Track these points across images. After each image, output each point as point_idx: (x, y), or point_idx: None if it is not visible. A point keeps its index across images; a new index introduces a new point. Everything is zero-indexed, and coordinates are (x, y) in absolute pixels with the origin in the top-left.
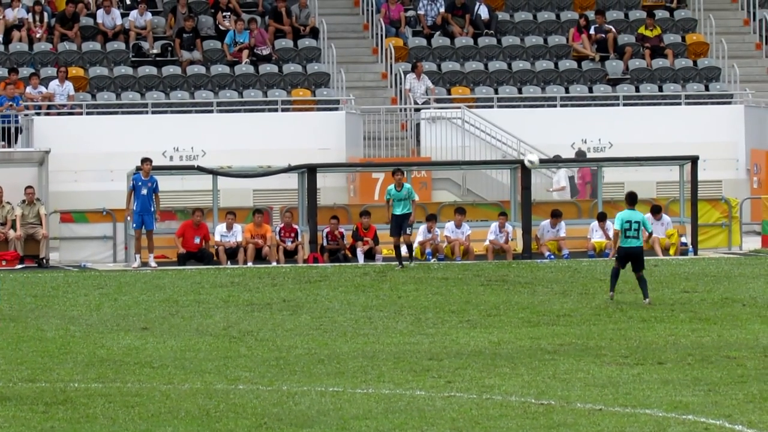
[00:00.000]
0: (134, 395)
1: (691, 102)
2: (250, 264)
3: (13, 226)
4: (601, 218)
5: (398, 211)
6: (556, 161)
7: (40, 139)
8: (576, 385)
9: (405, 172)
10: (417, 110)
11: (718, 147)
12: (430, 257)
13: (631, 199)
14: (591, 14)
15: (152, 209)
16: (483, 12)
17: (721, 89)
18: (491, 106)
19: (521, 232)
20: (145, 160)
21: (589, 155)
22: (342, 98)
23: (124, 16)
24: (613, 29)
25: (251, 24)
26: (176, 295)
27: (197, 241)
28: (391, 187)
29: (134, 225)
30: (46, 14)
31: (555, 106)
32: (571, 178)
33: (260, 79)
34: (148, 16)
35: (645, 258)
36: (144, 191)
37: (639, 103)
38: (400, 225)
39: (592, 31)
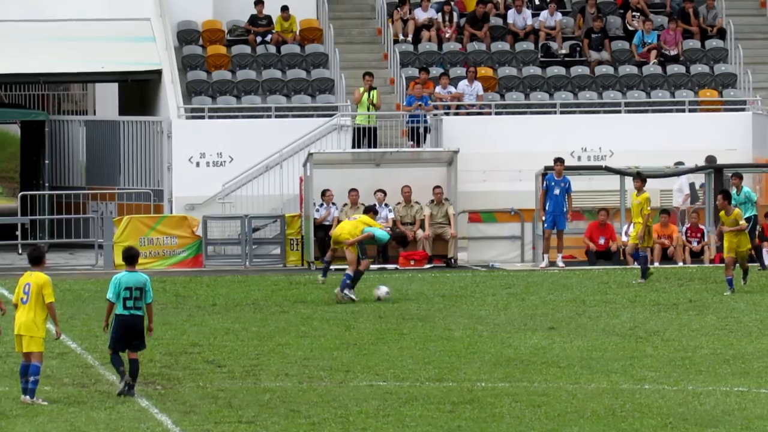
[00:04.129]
0: (540, 395)
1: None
2: (656, 264)
3: (422, 226)
4: None
5: None
6: None
7: (449, 139)
8: None
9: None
10: None
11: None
12: None
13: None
14: None
15: (564, 209)
16: None
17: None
18: None
19: None
20: (558, 161)
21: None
22: (749, 99)
23: (534, 16)
24: None
25: (671, 23)
26: (583, 294)
27: (602, 241)
28: None
29: (546, 225)
30: (455, 14)
31: None
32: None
33: (668, 79)
34: (558, 16)
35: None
36: (557, 191)
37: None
38: None
39: None
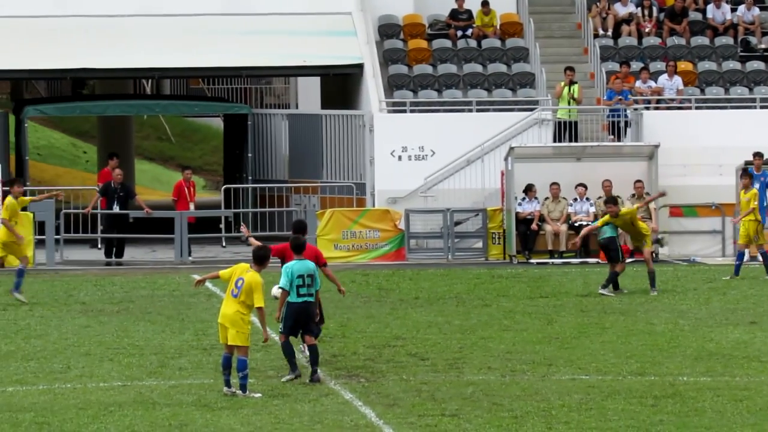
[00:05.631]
0: (742, 389)
1: None
2: None
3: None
4: None
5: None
6: None
7: (649, 133)
8: None
9: None
10: None
11: None
12: None
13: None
14: None
15: (765, 203)
16: None
17: None
18: None
19: None
20: (757, 155)
21: None
22: None
23: (732, 11)
24: None
25: None
26: None
27: None
28: None
29: None
30: (654, 9)
31: None
32: None
33: None
34: (756, 11)
35: None
36: (756, 185)
37: None
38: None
39: None
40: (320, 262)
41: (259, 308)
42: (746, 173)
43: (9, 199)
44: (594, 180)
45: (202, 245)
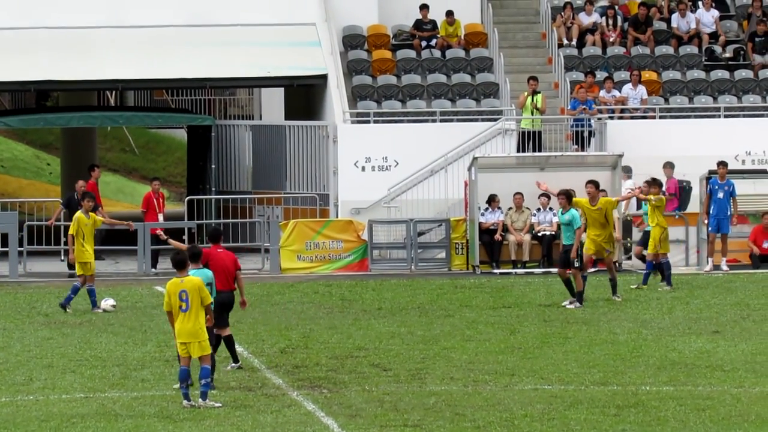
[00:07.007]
0: (705, 398)
1: None
2: None
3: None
4: None
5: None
6: None
7: (613, 143)
8: None
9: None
10: None
11: None
12: None
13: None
14: None
15: (728, 213)
16: None
17: None
18: None
19: None
20: (721, 164)
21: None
22: None
23: (692, 11)
24: None
25: None
26: (747, 298)
27: (766, 245)
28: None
29: (710, 228)
30: (619, 18)
31: None
32: None
33: None
34: (715, 12)
35: None
36: (720, 195)
37: None
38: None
39: None
40: (236, 266)
41: (208, 305)
42: (655, 182)
43: (78, 213)
44: (557, 190)
45: (164, 257)
